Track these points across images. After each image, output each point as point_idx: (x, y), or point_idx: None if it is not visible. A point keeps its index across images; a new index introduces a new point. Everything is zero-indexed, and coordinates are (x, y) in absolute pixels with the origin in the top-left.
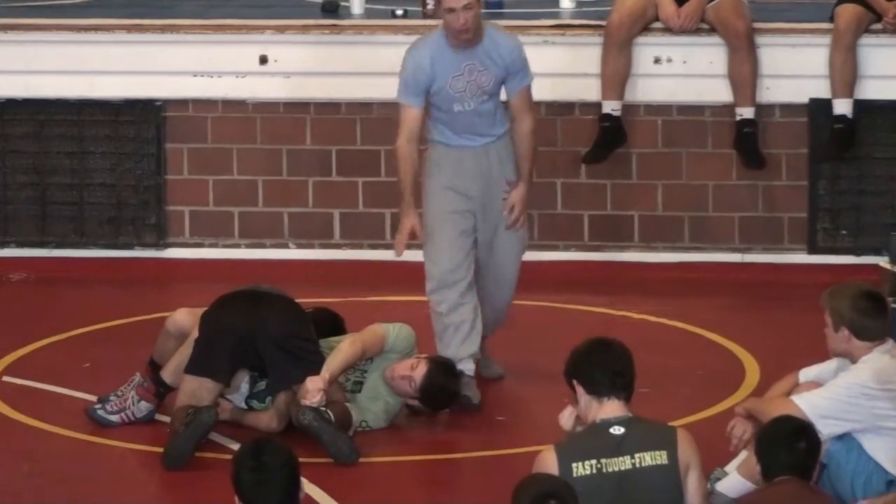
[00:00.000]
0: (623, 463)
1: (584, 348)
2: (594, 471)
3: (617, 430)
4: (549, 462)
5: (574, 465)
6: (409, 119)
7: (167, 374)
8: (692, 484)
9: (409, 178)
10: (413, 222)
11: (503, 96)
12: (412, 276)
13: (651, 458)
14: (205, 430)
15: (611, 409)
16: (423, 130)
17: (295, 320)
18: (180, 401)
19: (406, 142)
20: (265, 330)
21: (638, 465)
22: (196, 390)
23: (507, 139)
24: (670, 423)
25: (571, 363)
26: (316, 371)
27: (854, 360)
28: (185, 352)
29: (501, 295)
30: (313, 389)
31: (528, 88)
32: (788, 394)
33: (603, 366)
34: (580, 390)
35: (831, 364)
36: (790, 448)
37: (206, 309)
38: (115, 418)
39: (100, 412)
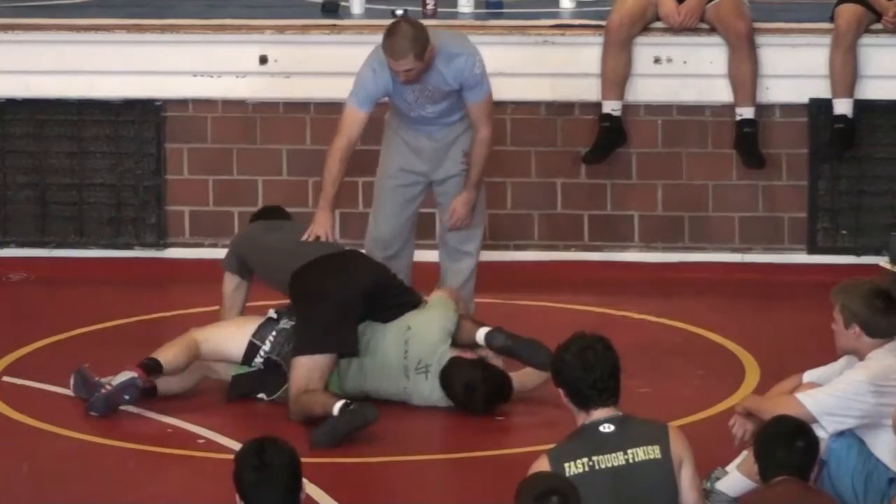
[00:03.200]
0: (616, 459)
1: (569, 359)
2: (586, 468)
3: (607, 428)
4: (541, 468)
5: (566, 464)
6: (353, 121)
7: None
8: (686, 478)
9: (338, 183)
10: (327, 226)
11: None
12: (416, 276)
13: (644, 453)
14: (365, 425)
15: (600, 413)
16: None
17: (374, 263)
18: (301, 383)
19: (346, 145)
20: (372, 281)
21: (631, 461)
22: (322, 368)
23: (466, 120)
24: (668, 423)
25: (557, 372)
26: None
27: (861, 357)
28: (187, 346)
29: (460, 243)
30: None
31: (485, 101)
32: (791, 393)
33: (589, 382)
34: (566, 399)
35: (836, 366)
36: (788, 448)
37: (299, 289)
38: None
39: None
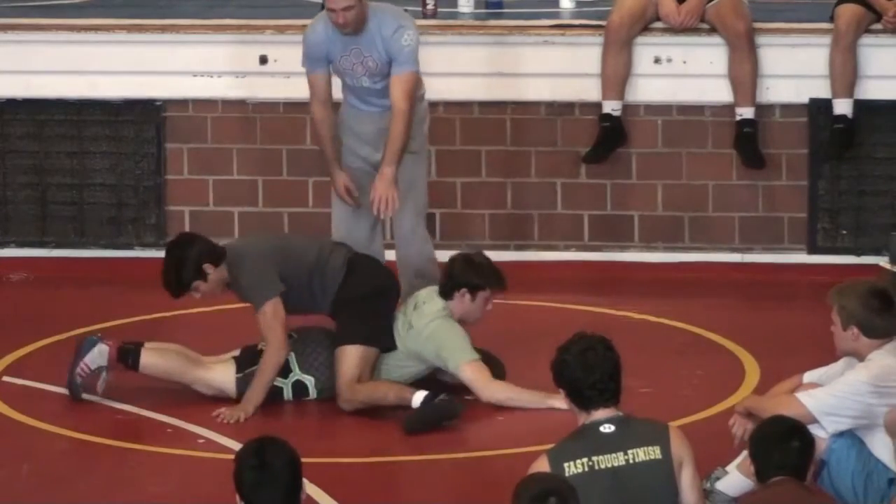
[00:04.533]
0: (616, 459)
1: (570, 360)
2: (586, 468)
3: (607, 428)
4: (541, 468)
5: (566, 464)
6: (314, 84)
7: (149, 355)
8: (686, 479)
9: (329, 141)
10: (343, 180)
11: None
12: None
13: (644, 454)
14: (451, 417)
15: (600, 413)
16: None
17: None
18: (355, 371)
19: (319, 106)
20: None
21: (631, 461)
22: (371, 361)
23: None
24: (667, 422)
25: (558, 372)
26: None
27: (861, 358)
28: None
29: (408, 244)
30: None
31: (408, 76)
32: (790, 393)
33: (589, 383)
34: (567, 400)
35: (836, 367)
36: (783, 448)
37: (353, 285)
38: (78, 380)
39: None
